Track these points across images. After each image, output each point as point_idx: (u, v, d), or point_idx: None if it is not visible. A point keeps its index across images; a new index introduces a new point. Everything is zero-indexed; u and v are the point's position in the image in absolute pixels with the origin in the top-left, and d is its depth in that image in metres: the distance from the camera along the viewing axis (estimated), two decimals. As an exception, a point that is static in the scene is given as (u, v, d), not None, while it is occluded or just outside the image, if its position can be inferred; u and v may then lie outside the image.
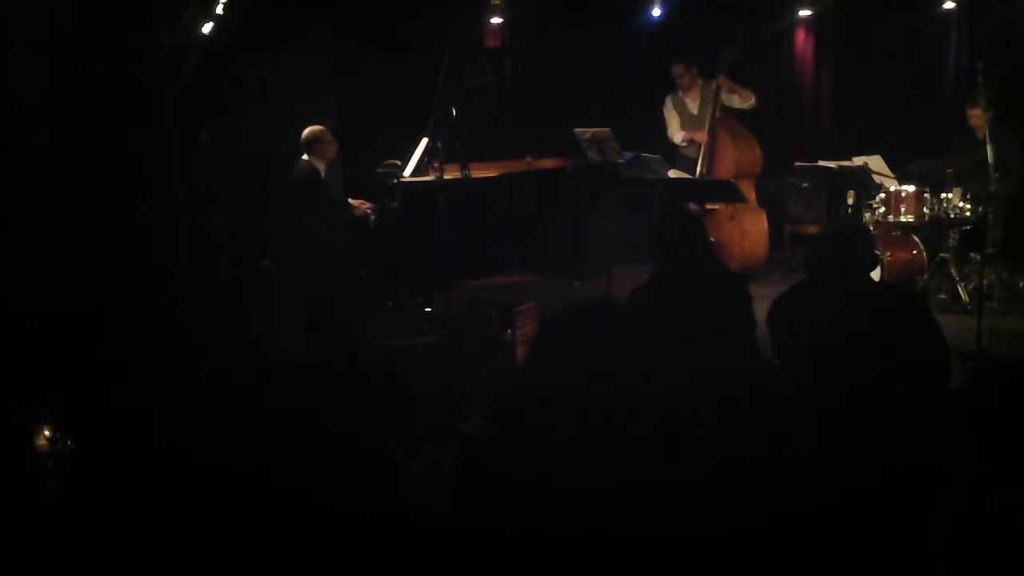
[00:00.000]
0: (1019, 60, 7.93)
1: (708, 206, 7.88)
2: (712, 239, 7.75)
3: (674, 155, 8.32)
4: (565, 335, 2.11)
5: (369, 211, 7.34)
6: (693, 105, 8.19)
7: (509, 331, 5.89)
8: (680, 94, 8.23)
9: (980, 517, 2.15)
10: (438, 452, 2.65)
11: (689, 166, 8.16)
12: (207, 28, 7.36)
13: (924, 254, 7.25)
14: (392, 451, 2.38)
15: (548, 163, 7.92)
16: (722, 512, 2.12)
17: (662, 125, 8.39)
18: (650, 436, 2.15)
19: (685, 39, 8.62)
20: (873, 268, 6.79)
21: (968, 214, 7.00)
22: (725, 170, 8.02)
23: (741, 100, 8.08)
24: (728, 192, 7.44)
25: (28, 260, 5.33)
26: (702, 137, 8.03)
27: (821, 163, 8.00)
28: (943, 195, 7.08)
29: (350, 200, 7.37)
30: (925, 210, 7.12)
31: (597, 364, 2.07)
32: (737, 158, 8.07)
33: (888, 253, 7.12)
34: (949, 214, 7.05)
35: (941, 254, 7.15)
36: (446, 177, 7.06)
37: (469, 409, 4.39)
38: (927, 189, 7.14)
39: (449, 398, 4.50)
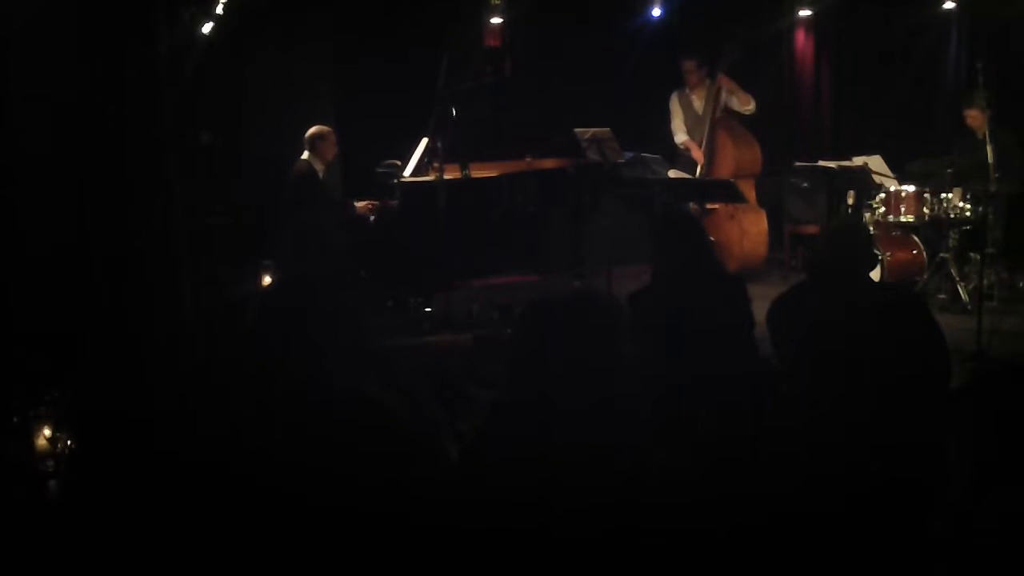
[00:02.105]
0: (1019, 60, 7.94)
1: (708, 206, 7.89)
2: (711, 239, 7.82)
3: (674, 155, 8.33)
4: (562, 332, 2.11)
5: (370, 210, 7.34)
6: (699, 104, 8.20)
7: (509, 331, 5.88)
8: (687, 91, 8.24)
9: (980, 517, 2.14)
10: (438, 454, 2.65)
11: (689, 166, 8.18)
12: (207, 28, 7.37)
13: (924, 254, 7.25)
14: (391, 451, 2.38)
15: (548, 163, 7.91)
16: (722, 511, 2.13)
17: (663, 124, 8.40)
18: (648, 434, 2.15)
19: (686, 39, 8.63)
20: (873, 268, 6.79)
21: (968, 214, 7.00)
22: (725, 170, 8.03)
23: (740, 103, 8.07)
24: (728, 192, 7.45)
25: (28, 260, 5.33)
26: (698, 156, 8.06)
27: (821, 163, 8.01)
28: (943, 195, 7.08)
29: (356, 202, 7.38)
30: (925, 210, 7.12)
31: (595, 362, 2.07)
32: (737, 158, 8.08)
33: (888, 253, 7.12)
34: (949, 214, 7.05)
35: (941, 254, 7.15)
36: (446, 177, 7.06)
37: (469, 409, 4.39)
38: (927, 189, 7.14)
39: (449, 398, 4.50)
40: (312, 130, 7.23)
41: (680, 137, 8.27)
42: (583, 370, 2.06)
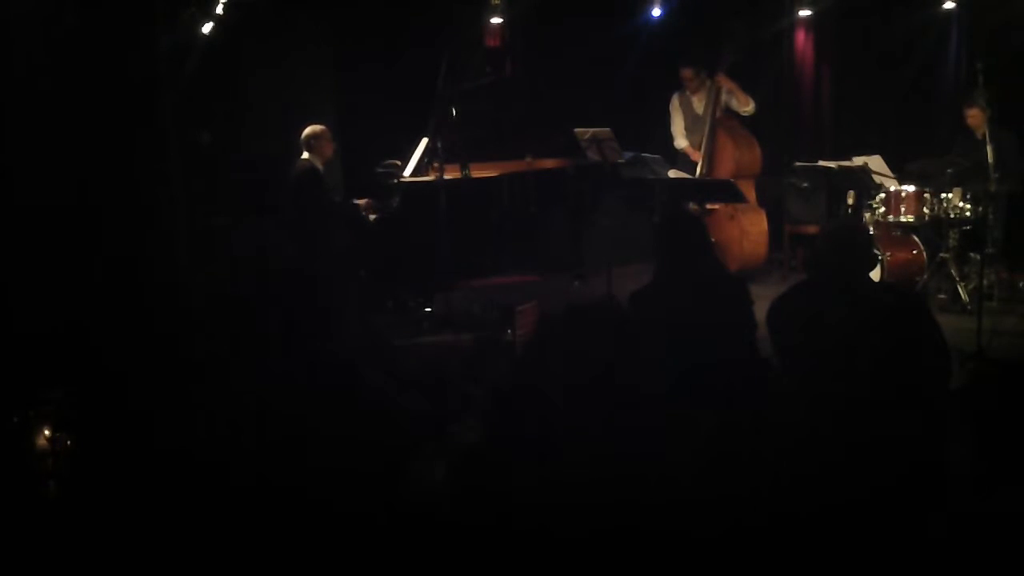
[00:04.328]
0: (1019, 60, 7.93)
1: (708, 206, 7.89)
2: (712, 240, 7.82)
3: (674, 155, 8.33)
4: (564, 336, 2.11)
5: (369, 204, 7.33)
6: (699, 105, 8.22)
7: (509, 331, 5.89)
8: (688, 92, 8.26)
9: (980, 517, 2.15)
10: (437, 453, 2.65)
11: (689, 166, 8.18)
12: (207, 28, 7.36)
13: (924, 254, 7.24)
14: (391, 451, 2.39)
15: (548, 163, 7.92)
16: (722, 512, 2.13)
17: (662, 125, 8.40)
18: (650, 435, 2.15)
19: (687, 40, 8.63)
20: (873, 268, 6.79)
21: (968, 214, 7.00)
22: (725, 170, 8.03)
23: (739, 103, 8.08)
24: (728, 192, 7.44)
25: (28, 260, 5.34)
26: (697, 157, 8.09)
27: (821, 163, 8.00)
28: (943, 195, 7.07)
29: (355, 200, 7.38)
30: (925, 210, 7.11)
31: (595, 364, 2.07)
32: (737, 158, 8.08)
33: (888, 253, 7.11)
34: (949, 214, 7.05)
35: (941, 254, 7.15)
36: (446, 177, 7.06)
37: (469, 409, 4.39)
38: (927, 189, 7.14)
39: (448, 398, 4.50)
40: (307, 130, 7.20)
41: (680, 143, 8.31)
42: (596, 373, 2.06)
